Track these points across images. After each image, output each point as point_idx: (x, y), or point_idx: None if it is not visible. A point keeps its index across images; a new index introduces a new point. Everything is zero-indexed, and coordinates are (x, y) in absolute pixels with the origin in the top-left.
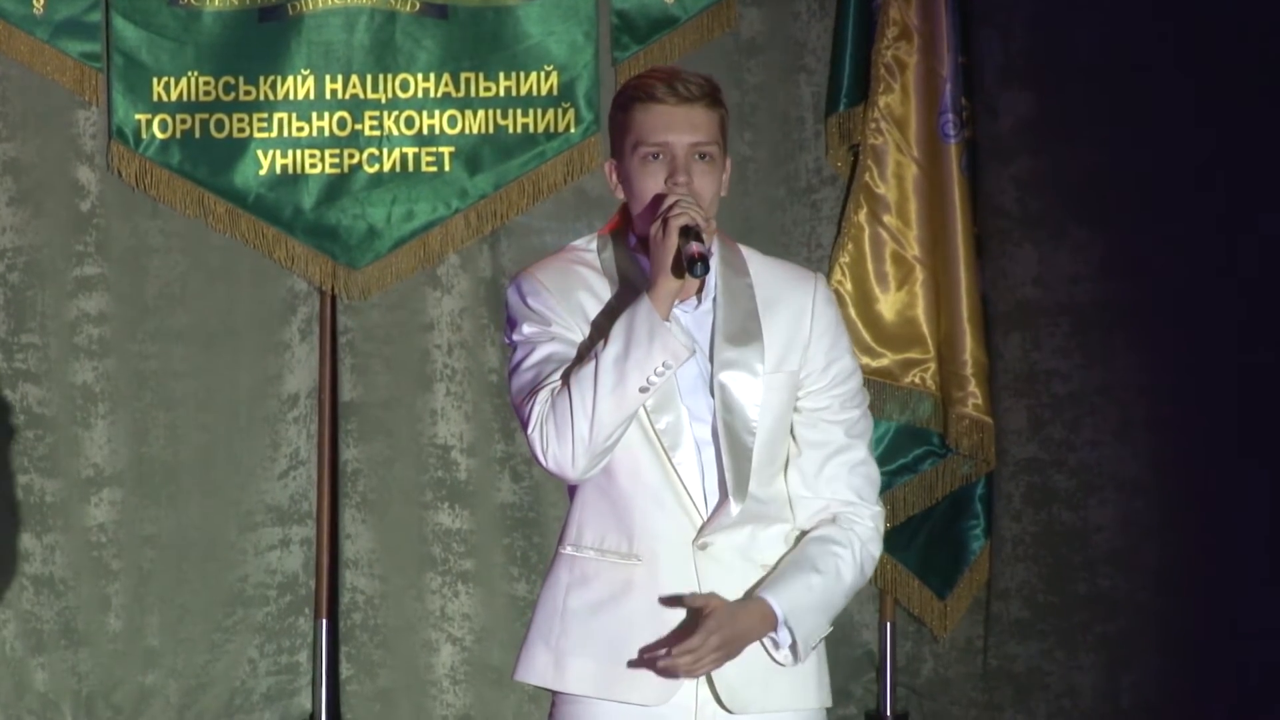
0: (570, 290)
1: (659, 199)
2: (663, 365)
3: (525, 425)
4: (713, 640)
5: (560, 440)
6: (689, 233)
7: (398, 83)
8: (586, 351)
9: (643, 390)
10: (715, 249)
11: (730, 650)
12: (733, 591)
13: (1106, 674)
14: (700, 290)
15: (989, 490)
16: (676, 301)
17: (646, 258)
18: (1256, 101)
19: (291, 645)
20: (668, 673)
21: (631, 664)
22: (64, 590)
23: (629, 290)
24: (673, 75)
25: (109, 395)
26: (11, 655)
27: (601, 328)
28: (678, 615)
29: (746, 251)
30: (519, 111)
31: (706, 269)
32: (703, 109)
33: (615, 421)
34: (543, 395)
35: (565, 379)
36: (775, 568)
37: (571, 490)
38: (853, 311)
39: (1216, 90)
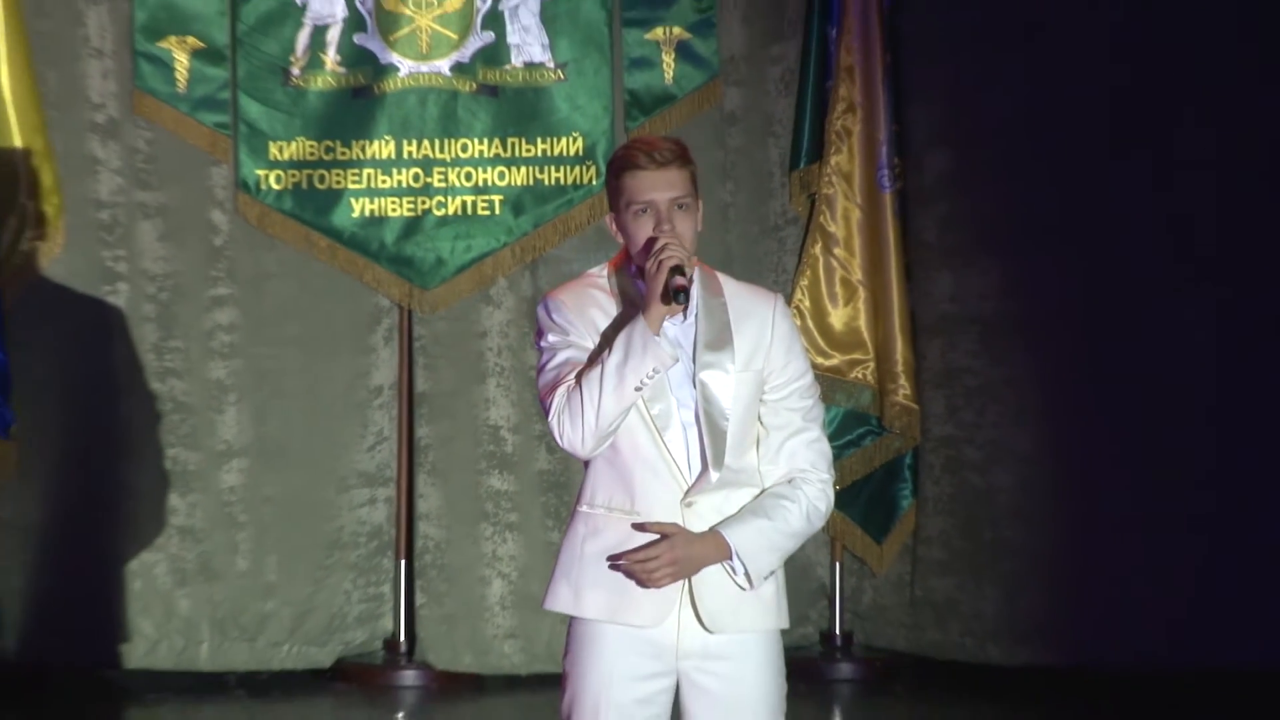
0: (585, 308)
1: (652, 241)
2: (653, 370)
3: (546, 414)
4: (666, 555)
5: (573, 427)
6: (676, 270)
7: (459, 145)
8: (595, 357)
9: (638, 389)
10: (696, 276)
11: (683, 568)
12: None
13: (1006, 602)
14: (685, 308)
15: (915, 460)
16: (665, 318)
17: (644, 284)
18: (1107, 161)
19: (377, 580)
20: (634, 578)
21: (632, 594)
22: (202, 538)
23: (630, 309)
24: (650, 145)
25: (236, 387)
26: (162, 588)
27: (608, 338)
28: (669, 543)
29: (722, 277)
30: (552, 168)
31: (687, 299)
32: (675, 169)
33: (615, 413)
34: (560, 391)
35: (578, 379)
36: (737, 514)
37: (586, 462)
38: (810, 323)
39: (1085, 147)
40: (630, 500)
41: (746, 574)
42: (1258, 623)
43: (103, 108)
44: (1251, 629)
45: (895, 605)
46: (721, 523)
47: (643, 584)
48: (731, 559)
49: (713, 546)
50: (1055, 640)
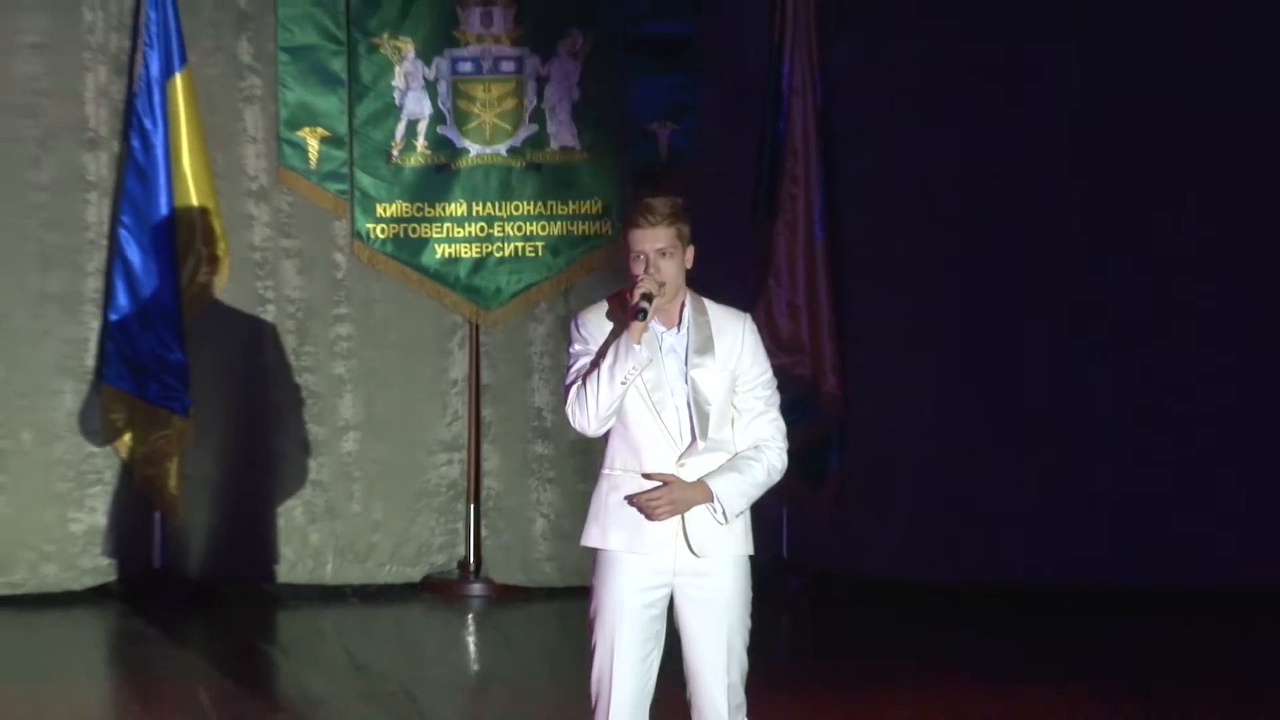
0: (602, 325)
1: (635, 278)
2: (631, 369)
3: (565, 404)
4: (665, 496)
5: (581, 414)
6: (645, 297)
7: (513, 206)
8: (596, 362)
9: (623, 383)
10: (688, 300)
11: (677, 506)
12: None
13: (906, 534)
14: (679, 323)
15: (841, 432)
16: (662, 330)
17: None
18: (980, 219)
19: (453, 519)
20: (643, 511)
21: (642, 532)
22: (328, 489)
23: (621, 326)
24: (648, 209)
25: (352, 380)
26: (299, 525)
27: (605, 347)
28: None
29: (707, 302)
30: (580, 223)
31: (645, 315)
32: (663, 228)
33: (609, 402)
34: (574, 388)
35: (583, 379)
36: (717, 469)
37: (606, 436)
38: (767, 333)
39: (967, 212)
40: (639, 463)
41: (724, 512)
42: (1082, 546)
43: (256, 179)
44: (1078, 552)
45: (827, 537)
46: (705, 475)
47: (649, 517)
48: (713, 501)
49: (699, 491)
50: (944, 563)
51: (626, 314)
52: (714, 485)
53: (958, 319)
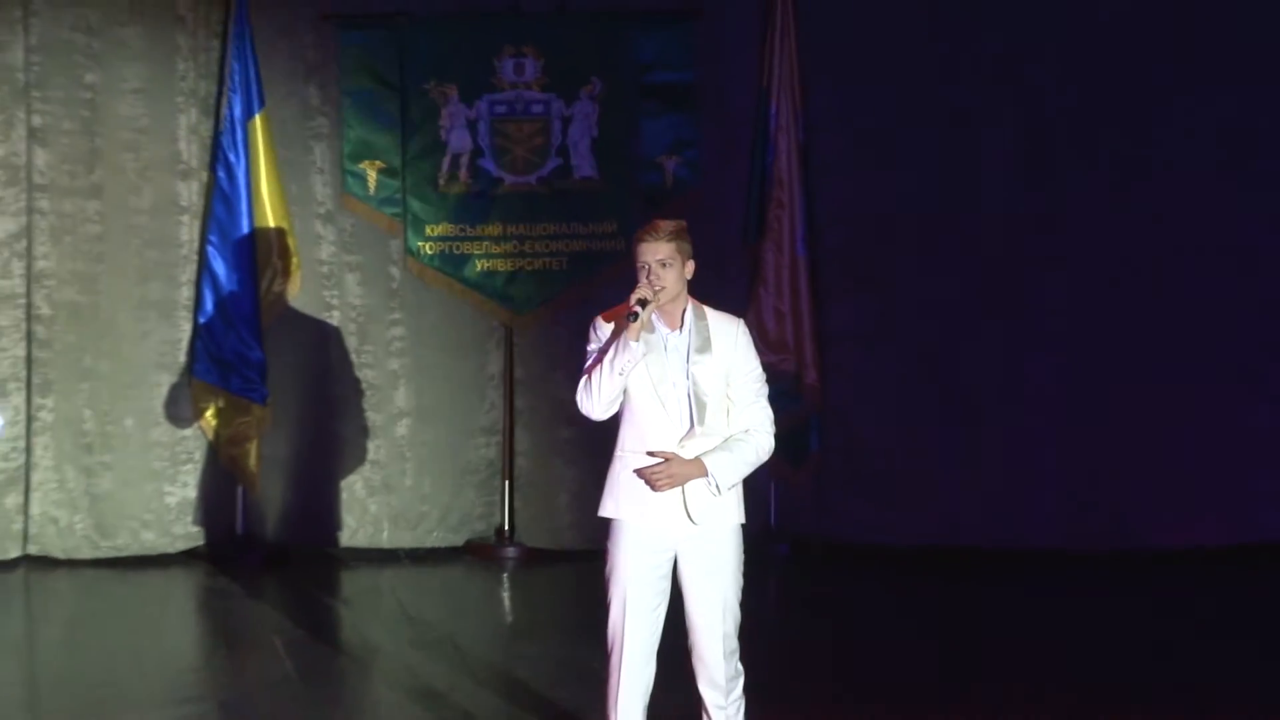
0: (614, 325)
1: (636, 285)
2: (628, 362)
3: (576, 394)
4: (666, 470)
5: (588, 400)
6: (641, 303)
7: (541, 228)
8: (600, 358)
9: (621, 374)
10: (689, 306)
11: (676, 479)
12: None
13: (871, 504)
14: (681, 326)
15: (819, 418)
16: (667, 332)
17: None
18: (937, 237)
19: (490, 492)
20: (648, 483)
21: (649, 504)
22: (384, 466)
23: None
24: (654, 227)
25: (404, 374)
26: (359, 496)
27: (609, 344)
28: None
29: (707, 308)
30: (598, 241)
31: (636, 318)
32: (664, 243)
33: (610, 391)
34: (583, 380)
35: (588, 373)
36: (712, 449)
37: (618, 423)
38: (757, 335)
39: (923, 235)
40: (646, 444)
41: (716, 485)
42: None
43: (323, 204)
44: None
45: (807, 507)
46: (701, 453)
47: (652, 488)
48: (707, 476)
49: (696, 467)
50: (907, 529)
51: (626, 314)
52: (709, 462)
53: (916, 322)
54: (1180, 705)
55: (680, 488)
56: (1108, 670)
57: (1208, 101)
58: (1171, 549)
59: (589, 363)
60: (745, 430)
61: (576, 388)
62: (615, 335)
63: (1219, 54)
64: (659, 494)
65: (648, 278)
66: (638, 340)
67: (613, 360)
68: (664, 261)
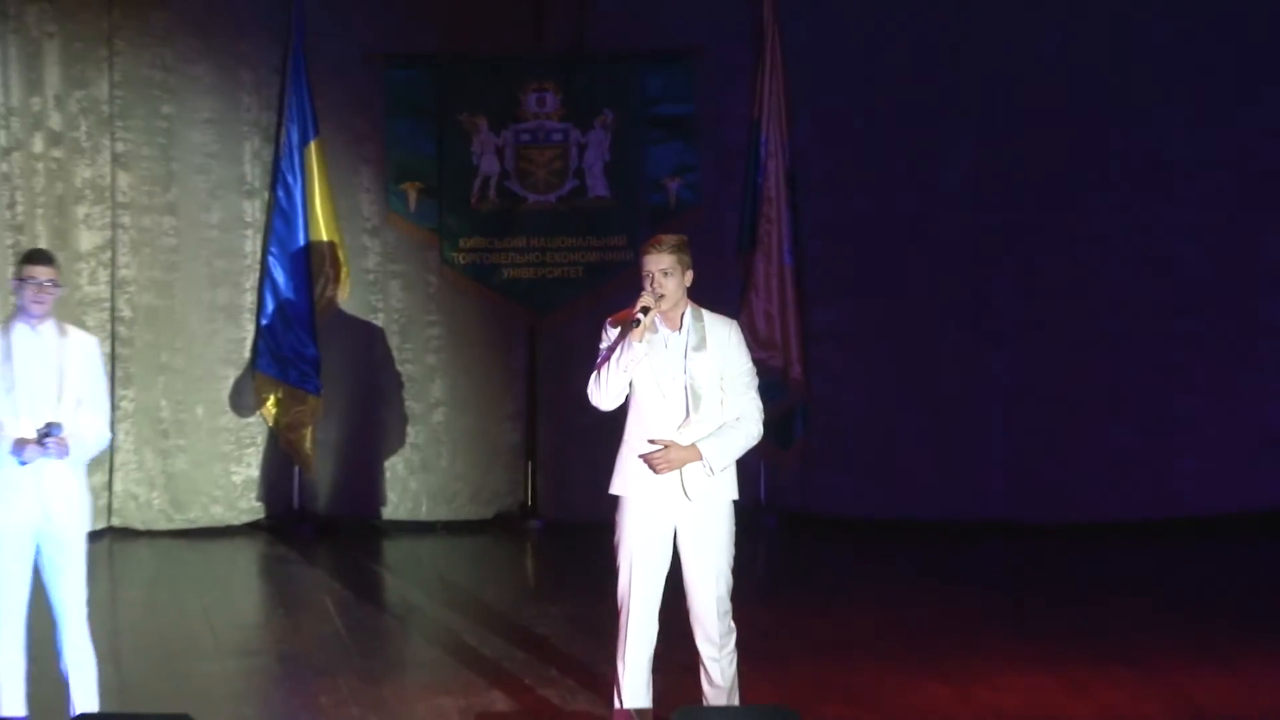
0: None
1: (640, 297)
2: (631, 361)
3: (587, 387)
4: (664, 455)
5: (597, 394)
6: (644, 310)
7: (559, 240)
8: (608, 356)
9: (625, 372)
10: (688, 310)
11: (674, 463)
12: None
13: (854, 482)
14: (681, 326)
15: (804, 408)
16: (668, 332)
17: (660, 315)
18: (904, 248)
19: (516, 472)
20: (651, 467)
21: (652, 483)
22: (422, 449)
23: (658, 327)
24: (657, 241)
25: (440, 368)
26: (400, 475)
27: (616, 344)
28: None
29: (704, 310)
30: (610, 253)
31: (637, 324)
32: (666, 254)
33: (616, 385)
34: (593, 376)
35: (598, 369)
36: (706, 435)
37: (625, 414)
38: (749, 334)
39: (896, 247)
40: (648, 430)
41: (710, 467)
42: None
43: (370, 220)
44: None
45: (793, 485)
46: (698, 439)
47: (654, 471)
48: (701, 459)
49: (691, 452)
50: (882, 504)
51: (630, 320)
52: (703, 447)
53: (888, 323)
54: (1105, 647)
55: (678, 470)
56: (1048, 620)
57: (1134, 130)
58: (1105, 521)
59: (599, 360)
60: (737, 418)
61: (588, 383)
62: (621, 337)
63: (1145, 91)
64: (655, 473)
65: (651, 285)
66: (641, 341)
67: (618, 359)
68: (665, 271)
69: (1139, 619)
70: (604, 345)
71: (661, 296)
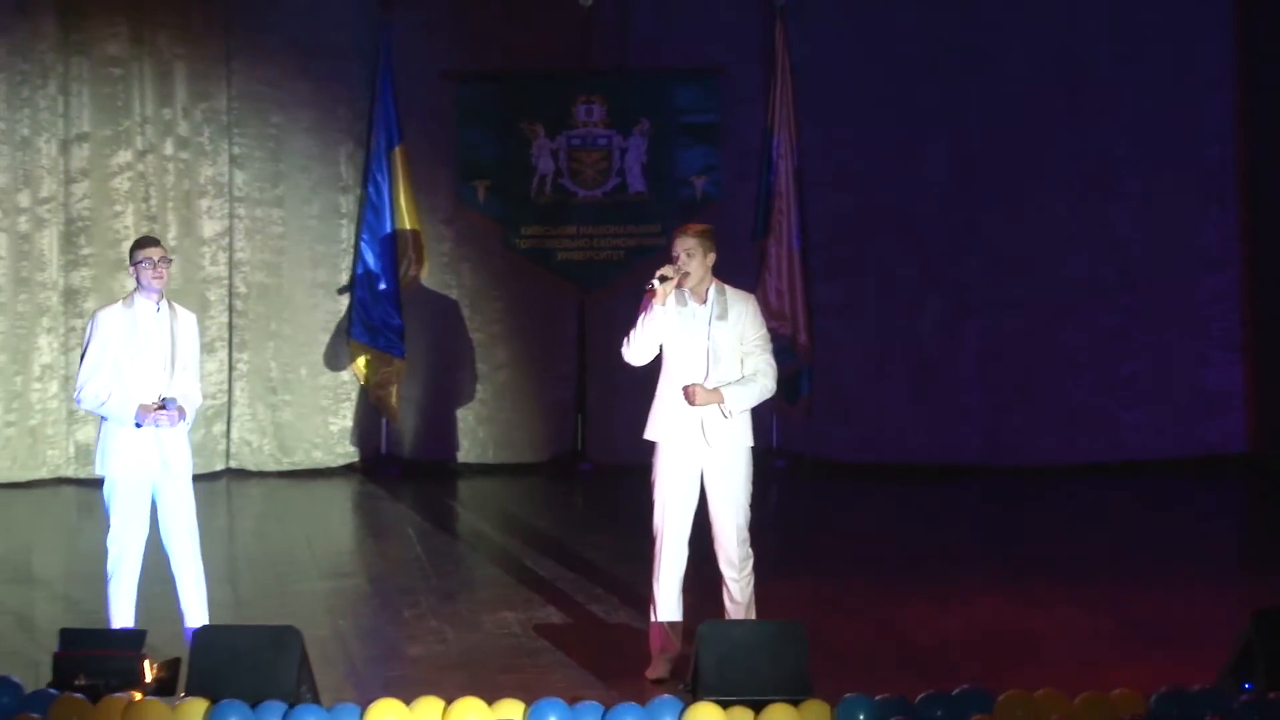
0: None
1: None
2: (652, 324)
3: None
4: (695, 389)
5: (629, 351)
6: (660, 278)
7: (604, 229)
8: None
9: (647, 331)
10: (712, 288)
11: (703, 399)
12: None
13: (851, 429)
14: (705, 300)
15: (809, 368)
16: (696, 305)
17: (688, 290)
18: (891, 240)
19: (567, 421)
20: (687, 398)
21: (681, 429)
22: (489, 403)
23: (685, 300)
24: (684, 228)
25: (504, 337)
26: (470, 425)
27: (650, 312)
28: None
29: (727, 286)
30: (645, 239)
31: (653, 288)
32: (690, 238)
33: (643, 344)
34: (625, 337)
35: (630, 331)
36: (729, 383)
37: (658, 370)
38: (763, 307)
39: (893, 235)
40: (676, 386)
41: (729, 409)
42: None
43: (445, 211)
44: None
45: (802, 432)
46: (720, 386)
47: (690, 401)
48: (722, 402)
49: (715, 394)
50: (873, 449)
51: (646, 286)
52: (725, 392)
53: (879, 298)
54: (1062, 570)
55: (700, 419)
56: (1014, 548)
57: (1085, 136)
58: (1062, 464)
59: (637, 326)
60: (754, 373)
61: (622, 343)
62: (646, 303)
63: (1094, 102)
64: (687, 422)
65: (674, 261)
66: (663, 304)
67: (643, 322)
68: (689, 251)
69: (1091, 547)
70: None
71: (684, 273)
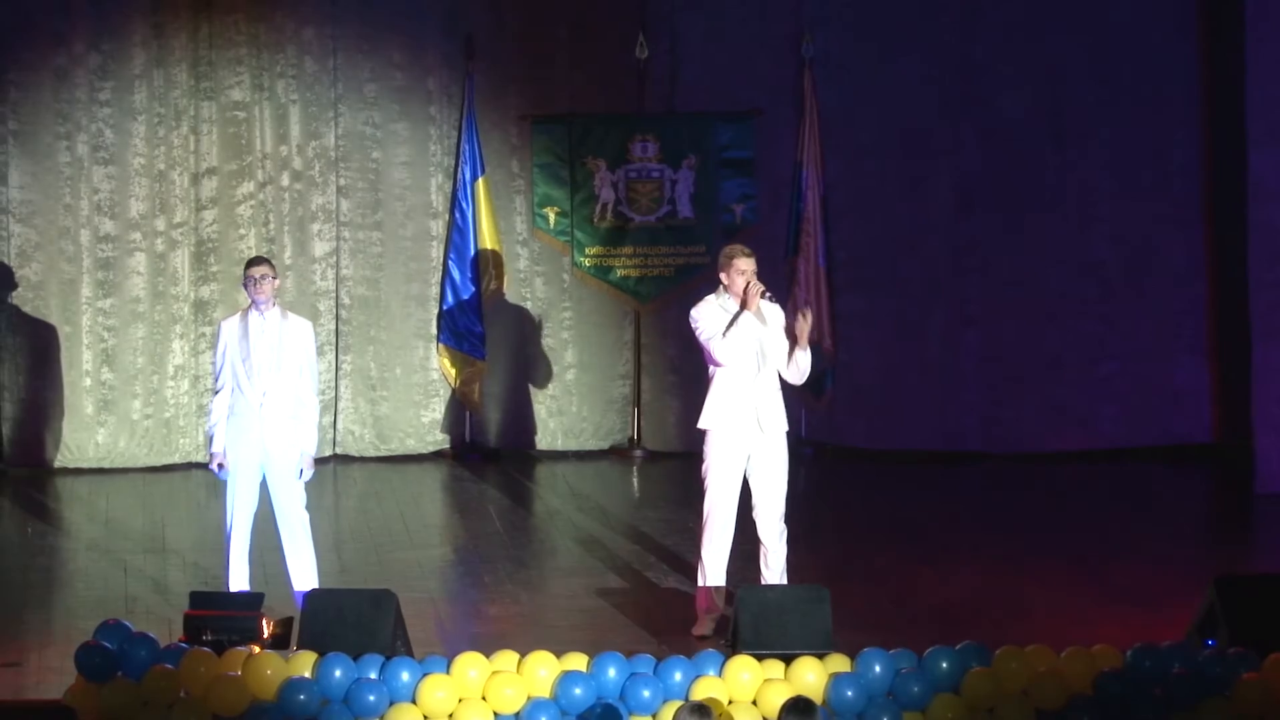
0: (706, 310)
1: (748, 285)
2: (745, 327)
3: (705, 350)
4: (755, 287)
5: (723, 351)
6: (764, 294)
7: (658, 249)
8: (724, 329)
9: (742, 332)
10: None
11: (804, 341)
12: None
13: (868, 422)
14: (756, 311)
15: (833, 369)
16: (746, 313)
17: (735, 299)
18: (895, 257)
19: (625, 414)
20: (746, 295)
21: (733, 418)
22: (558, 398)
23: (731, 309)
24: (747, 251)
25: (571, 341)
26: (543, 417)
27: (717, 319)
28: (747, 395)
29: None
30: (693, 258)
31: (767, 296)
32: (753, 259)
33: (736, 347)
34: (716, 340)
35: (723, 334)
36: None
37: (709, 366)
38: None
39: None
40: (729, 379)
41: (798, 361)
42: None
43: (521, 234)
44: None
45: (826, 424)
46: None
47: (748, 299)
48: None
49: (804, 342)
50: (890, 438)
51: (744, 300)
52: (797, 352)
53: (894, 308)
54: (1051, 544)
55: (755, 408)
56: (1010, 524)
57: (1070, 167)
58: (1050, 451)
59: (704, 332)
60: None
61: (707, 347)
62: (737, 312)
63: (1078, 138)
64: (743, 411)
65: (756, 279)
66: (754, 312)
67: (733, 329)
68: (755, 271)
69: (1075, 524)
70: (700, 325)
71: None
